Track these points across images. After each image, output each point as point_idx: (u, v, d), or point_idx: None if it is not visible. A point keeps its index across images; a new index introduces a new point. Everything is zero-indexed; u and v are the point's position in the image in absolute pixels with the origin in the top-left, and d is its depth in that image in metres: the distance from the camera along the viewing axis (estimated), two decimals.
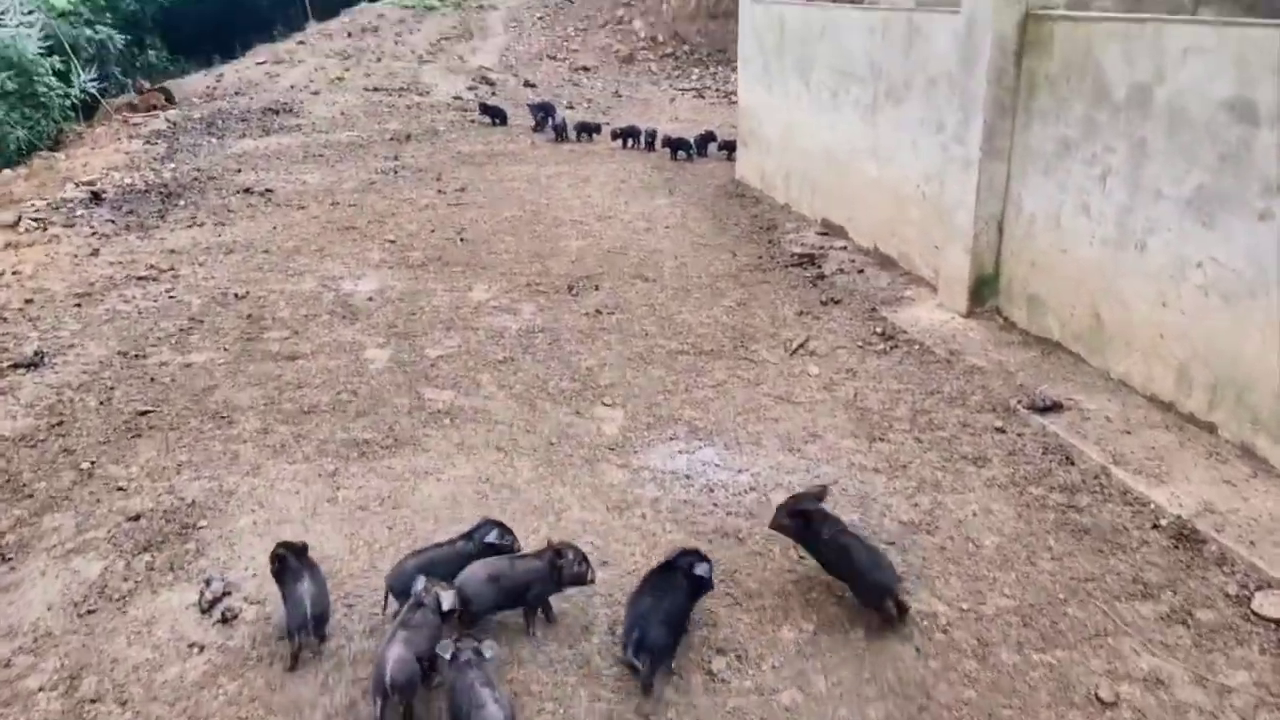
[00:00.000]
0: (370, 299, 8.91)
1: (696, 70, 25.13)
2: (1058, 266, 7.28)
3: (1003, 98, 7.52)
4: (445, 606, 4.13)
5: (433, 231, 11.23)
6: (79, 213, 12.19)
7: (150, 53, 30.95)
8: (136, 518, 5.27)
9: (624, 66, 25.34)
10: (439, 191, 13.20)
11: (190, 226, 11.51)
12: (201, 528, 5.19)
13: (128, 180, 14.02)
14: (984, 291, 8.07)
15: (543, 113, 17.66)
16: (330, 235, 11.07)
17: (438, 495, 5.57)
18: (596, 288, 9.27)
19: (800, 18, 11.32)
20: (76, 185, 14.16)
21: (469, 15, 28.61)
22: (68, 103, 20.01)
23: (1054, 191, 7.23)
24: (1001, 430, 6.37)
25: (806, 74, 11.19)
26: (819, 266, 9.87)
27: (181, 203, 12.67)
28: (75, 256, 10.12)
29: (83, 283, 9.24)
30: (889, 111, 9.42)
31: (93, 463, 5.89)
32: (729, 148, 14.80)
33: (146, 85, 24.56)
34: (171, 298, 8.90)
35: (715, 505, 5.54)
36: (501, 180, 13.93)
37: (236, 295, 8.93)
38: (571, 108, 20.63)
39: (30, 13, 19.52)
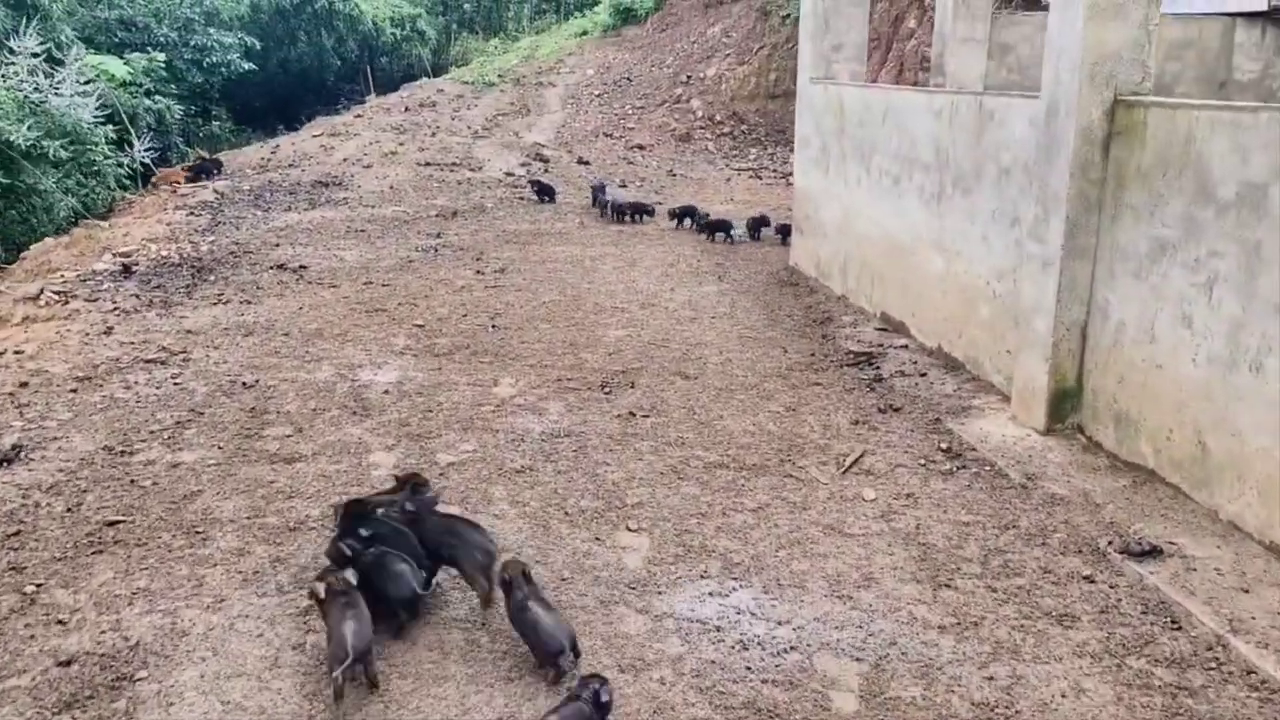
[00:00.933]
0: (386, 392, 8.23)
1: (754, 150, 24.65)
2: (1153, 384, 6.36)
3: (1088, 191, 6.69)
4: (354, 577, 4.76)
5: (465, 316, 10.61)
6: (105, 286, 11.81)
7: (214, 123, 31.48)
8: (68, 662, 4.53)
9: (680, 145, 24.94)
10: (478, 272, 12.63)
11: (215, 304, 11.03)
12: (139, 679, 4.42)
13: (163, 253, 13.69)
14: (1064, 406, 7.14)
15: (599, 193, 17.16)
16: (357, 317, 10.49)
17: (423, 644, 4.76)
18: (632, 385, 8.51)
19: (860, 100, 10.64)
20: (114, 256, 13.90)
21: (527, 91, 28.56)
22: (123, 171, 20.07)
23: (1148, 298, 6.35)
24: (1091, 580, 5.42)
25: (867, 159, 10.48)
26: (877, 367, 9.02)
27: (212, 278, 12.25)
28: (87, 335, 9.63)
29: (87, 365, 8.71)
30: (957, 201, 8.63)
31: (39, 585, 5.19)
32: (784, 232, 14.06)
33: (205, 155, 24.78)
34: (176, 384, 8.32)
35: (748, 669, 4.64)
36: (544, 261, 13.34)
37: (245, 384, 8.32)
38: (624, 186, 20.16)
39: (88, 82, 19.67)
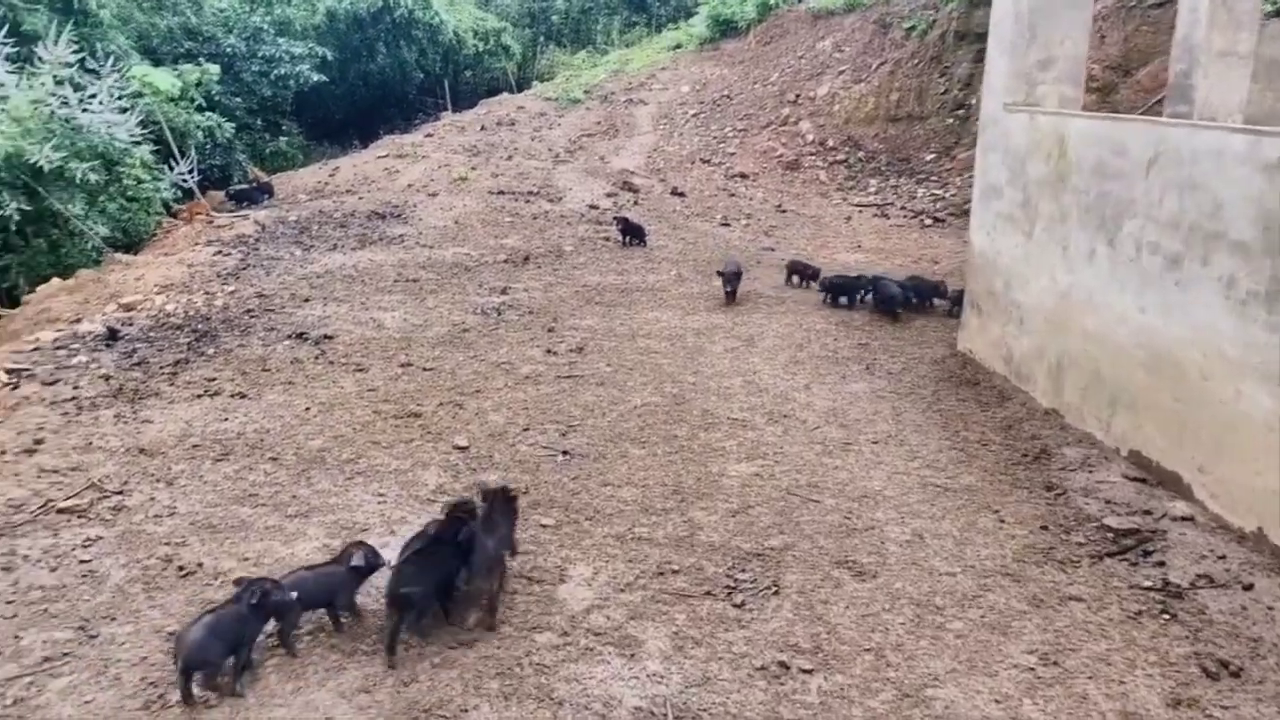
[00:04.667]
0: None
1: (874, 181, 21.28)
2: None
3: None
4: None
5: (526, 429, 7.62)
6: (75, 360, 9.12)
7: (282, 139, 29.28)
8: None
9: (788, 174, 21.73)
10: (549, 351, 9.65)
11: (200, 396, 8.23)
12: None
13: (169, 307, 11.03)
14: None
15: (730, 282, 11.56)
16: (379, 430, 7.57)
17: None
18: (776, 589, 5.40)
19: (1103, 139, 7.37)
20: (118, 307, 11.35)
21: (616, 110, 25.66)
22: (168, 195, 17.76)
23: None
24: None
25: (1111, 224, 7.20)
26: (1161, 563, 5.74)
27: (211, 350, 9.48)
28: (2, 454, 6.89)
29: None
30: None
31: None
32: (955, 300, 10.74)
33: (260, 177, 22.45)
34: (83, 564, 5.46)
35: None
36: (634, 335, 10.31)
37: (181, 568, 5.43)
38: (728, 225, 17.10)
39: (136, 95, 17.36)
